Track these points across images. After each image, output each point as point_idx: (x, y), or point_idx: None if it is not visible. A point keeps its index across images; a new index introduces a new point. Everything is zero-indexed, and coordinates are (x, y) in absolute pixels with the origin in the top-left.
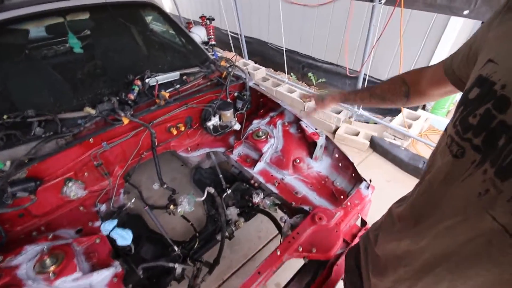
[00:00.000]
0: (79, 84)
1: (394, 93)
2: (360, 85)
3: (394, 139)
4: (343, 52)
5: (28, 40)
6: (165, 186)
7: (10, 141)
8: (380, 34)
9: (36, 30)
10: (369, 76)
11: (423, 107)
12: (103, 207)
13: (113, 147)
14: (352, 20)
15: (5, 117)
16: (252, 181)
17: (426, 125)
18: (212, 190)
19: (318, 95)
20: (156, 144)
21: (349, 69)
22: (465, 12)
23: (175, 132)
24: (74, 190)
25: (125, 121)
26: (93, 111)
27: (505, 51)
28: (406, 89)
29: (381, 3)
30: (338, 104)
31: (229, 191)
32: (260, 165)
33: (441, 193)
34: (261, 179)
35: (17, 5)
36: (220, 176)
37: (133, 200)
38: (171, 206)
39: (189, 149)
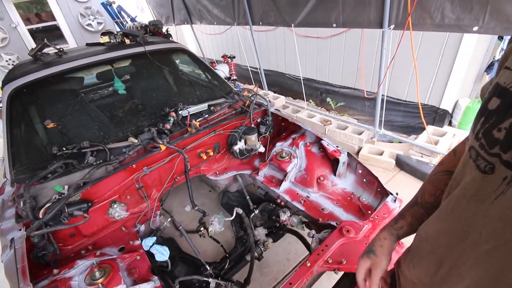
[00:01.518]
0: (124, 119)
1: (450, 165)
2: (378, 105)
3: (422, 157)
4: (359, 76)
5: (82, 85)
6: (197, 208)
7: (68, 169)
8: (393, 57)
9: (89, 77)
10: (387, 96)
11: (449, 123)
12: (142, 227)
13: (151, 171)
14: (366, 45)
15: (64, 148)
16: (279, 201)
17: (454, 141)
18: (240, 210)
19: (366, 256)
20: (189, 168)
21: (366, 91)
22: (475, 29)
23: (204, 157)
24: (118, 212)
25: (163, 147)
26: (135, 140)
27: None
28: (458, 152)
29: (390, 28)
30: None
31: (256, 211)
32: (285, 184)
33: (472, 211)
34: (287, 198)
35: (74, 58)
36: (247, 197)
37: (169, 219)
38: (202, 228)
39: (217, 172)
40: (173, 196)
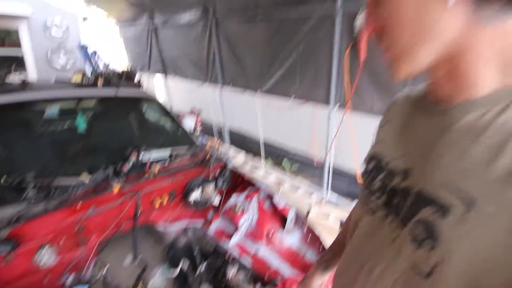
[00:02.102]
0: (80, 155)
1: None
2: (325, 172)
3: None
4: (311, 144)
5: (42, 117)
6: (138, 259)
7: (1, 201)
8: (337, 131)
9: (50, 111)
10: (333, 165)
11: None
12: (70, 279)
13: (96, 214)
14: (318, 118)
15: (3, 178)
16: (227, 255)
17: None
18: (186, 264)
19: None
20: (139, 213)
21: (316, 160)
22: None
23: (157, 204)
24: (46, 257)
25: (116, 189)
26: (87, 178)
27: (386, 132)
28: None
29: (336, 106)
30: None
31: (203, 267)
32: (235, 238)
33: (369, 244)
34: (236, 252)
35: (41, 88)
36: (195, 252)
37: (104, 271)
38: (140, 284)
39: (167, 222)
40: (112, 246)
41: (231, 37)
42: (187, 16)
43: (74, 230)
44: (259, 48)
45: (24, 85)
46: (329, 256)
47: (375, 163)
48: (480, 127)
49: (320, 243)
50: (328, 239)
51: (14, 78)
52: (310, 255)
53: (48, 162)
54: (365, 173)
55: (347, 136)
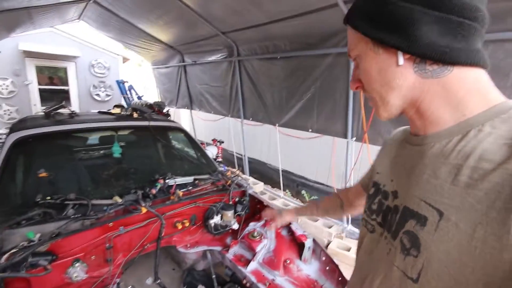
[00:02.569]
0: (113, 179)
1: (333, 206)
2: None
3: None
4: (331, 174)
5: (85, 144)
6: (159, 281)
7: (45, 218)
8: (355, 162)
9: (92, 138)
10: None
11: None
12: None
13: (124, 233)
14: (337, 149)
15: (48, 198)
16: (244, 281)
17: None
18: None
19: (277, 210)
20: (162, 234)
21: (336, 189)
22: None
23: (180, 227)
24: (78, 272)
25: (143, 210)
26: (119, 200)
27: (383, 164)
28: (341, 202)
29: (353, 140)
30: (294, 218)
31: None
32: (253, 265)
33: (369, 260)
34: (253, 279)
35: (84, 120)
36: (214, 276)
37: None
38: None
39: (188, 245)
40: (135, 266)
41: (253, 74)
42: (213, 57)
43: (104, 247)
44: (279, 84)
45: (73, 116)
46: (306, 209)
47: (374, 189)
48: (447, 152)
49: (339, 275)
50: (347, 272)
51: (64, 110)
52: (329, 287)
53: (86, 185)
54: (367, 198)
55: (366, 167)
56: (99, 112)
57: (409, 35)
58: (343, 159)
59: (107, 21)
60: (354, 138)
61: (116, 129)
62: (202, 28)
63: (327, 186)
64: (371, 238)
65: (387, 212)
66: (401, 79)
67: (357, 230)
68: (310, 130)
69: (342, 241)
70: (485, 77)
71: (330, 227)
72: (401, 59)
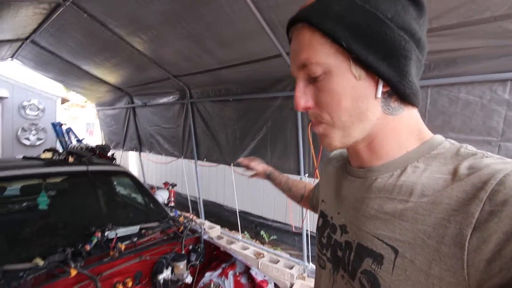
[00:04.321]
0: (36, 236)
1: (297, 190)
2: (304, 240)
3: None
4: (288, 211)
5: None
6: None
7: None
8: None
9: (11, 188)
10: (311, 231)
11: None
12: None
13: None
14: None
15: None
16: None
17: None
18: None
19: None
20: None
21: (294, 226)
22: None
23: None
24: None
25: (73, 272)
26: (41, 262)
27: (326, 193)
28: (303, 193)
29: (306, 176)
30: (265, 174)
31: None
32: None
33: None
34: None
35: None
36: None
37: None
38: None
39: None
40: None
41: (206, 115)
42: (165, 99)
43: None
44: (232, 125)
45: None
46: (276, 176)
47: (322, 220)
48: (390, 187)
49: None
50: None
51: None
52: None
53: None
54: (317, 231)
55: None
56: (24, 158)
57: (401, 68)
58: None
59: (46, 61)
60: (307, 175)
61: (43, 176)
62: (153, 71)
63: (285, 224)
64: (325, 275)
65: (335, 248)
66: (372, 112)
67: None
68: None
69: (304, 282)
70: (419, 115)
71: (291, 267)
72: (380, 91)
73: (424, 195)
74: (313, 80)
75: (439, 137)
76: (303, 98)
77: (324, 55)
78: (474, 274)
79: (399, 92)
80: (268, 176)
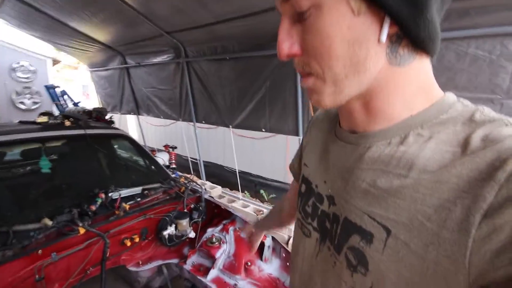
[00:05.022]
0: (42, 198)
1: (282, 203)
2: None
3: None
4: (287, 171)
5: (1, 161)
6: None
7: None
8: None
9: (12, 153)
10: None
11: None
12: None
13: (60, 260)
14: (290, 146)
15: None
16: None
17: None
18: None
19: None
20: (107, 255)
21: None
22: None
23: (128, 244)
24: None
25: (81, 231)
26: (49, 222)
27: (310, 157)
28: (280, 207)
29: (299, 137)
30: (262, 232)
31: None
32: (213, 273)
33: (312, 268)
34: None
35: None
36: None
37: None
38: None
39: (140, 262)
40: None
41: (202, 75)
42: (159, 58)
43: (33, 280)
44: (229, 85)
45: None
46: (267, 222)
47: (306, 187)
48: (386, 158)
49: None
50: None
51: None
52: None
53: (6, 209)
54: (299, 196)
55: None
56: (20, 122)
57: (417, 1)
58: None
59: (31, 18)
60: None
61: (41, 140)
62: (145, 27)
63: (284, 183)
64: (309, 243)
65: (323, 218)
66: (372, 62)
67: None
68: (263, 130)
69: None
70: (431, 69)
71: None
72: (385, 33)
73: (426, 171)
74: (300, 18)
75: (450, 97)
76: (288, 41)
77: None
78: (477, 264)
79: (411, 35)
80: (267, 229)
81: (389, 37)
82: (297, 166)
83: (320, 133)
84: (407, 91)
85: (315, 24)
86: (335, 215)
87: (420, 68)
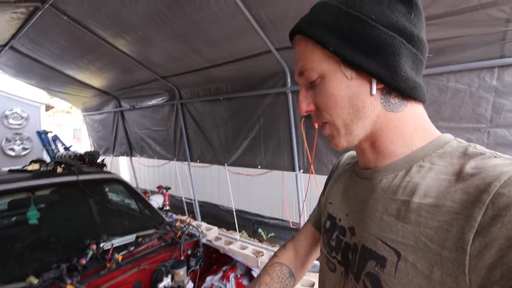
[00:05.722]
0: (28, 252)
1: (283, 280)
2: None
3: None
4: (284, 208)
5: None
6: None
7: None
8: (306, 193)
9: None
10: None
11: None
12: None
13: None
14: (286, 182)
15: None
16: None
17: None
18: None
19: None
20: None
21: (291, 222)
22: None
23: None
24: None
25: None
26: (35, 281)
27: (334, 195)
28: (289, 269)
29: (301, 172)
30: None
31: None
32: None
33: None
34: None
35: None
36: None
37: None
38: None
39: None
40: None
41: (196, 116)
42: (154, 101)
43: None
44: (224, 124)
45: None
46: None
47: (330, 222)
48: (394, 187)
49: None
50: None
51: None
52: None
53: None
54: (324, 232)
55: (316, 196)
56: (10, 171)
57: (389, 64)
58: (294, 192)
59: (27, 68)
60: (302, 170)
61: (32, 189)
62: (140, 73)
63: (282, 220)
64: (334, 278)
65: (346, 250)
66: (369, 109)
67: (317, 263)
68: (259, 167)
69: (305, 277)
70: (425, 113)
71: None
72: (374, 88)
73: (427, 196)
74: (312, 85)
75: (447, 136)
76: (305, 102)
77: (316, 61)
78: (476, 280)
79: (393, 88)
80: None
81: (380, 90)
82: (318, 218)
83: (343, 174)
84: (405, 131)
85: (323, 88)
86: (355, 244)
87: (413, 113)
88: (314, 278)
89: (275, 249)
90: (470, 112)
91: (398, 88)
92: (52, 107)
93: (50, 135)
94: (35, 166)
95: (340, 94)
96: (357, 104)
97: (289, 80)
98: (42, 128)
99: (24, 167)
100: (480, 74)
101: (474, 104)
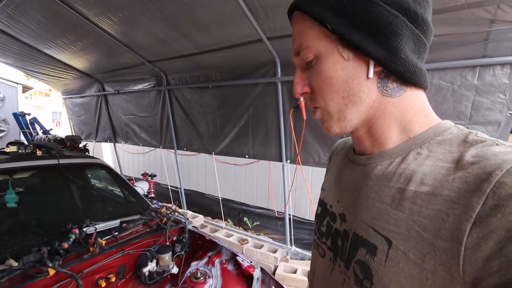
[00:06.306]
0: (7, 236)
1: None
2: (287, 224)
3: None
4: (270, 197)
5: None
6: None
7: None
8: (292, 183)
9: None
10: (293, 215)
11: None
12: None
13: None
14: (273, 173)
15: None
16: None
17: None
18: None
19: None
20: None
21: (277, 211)
22: None
23: (103, 285)
24: None
25: (51, 272)
26: (15, 264)
27: (327, 181)
28: None
29: (288, 162)
30: None
31: None
32: None
33: (321, 287)
34: None
35: None
36: None
37: None
38: None
39: None
40: None
41: (184, 103)
42: (140, 86)
43: None
44: (212, 112)
45: None
46: None
47: (321, 208)
48: (389, 174)
49: None
50: None
51: None
52: None
53: None
54: (315, 218)
55: (302, 187)
56: None
57: (389, 45)
58: (280, 182)
59: (3, 45)
60: (289, 161)
61: (11, 172)
62: (125, 56)
63: (268, 209)
64: (323, 263)
65: (336, 236)
66: (365, 94)
67: (300, 251)
68: (246, 156)
69: (288, 264)
70: (425, 99)
71: (275, 251)
72: (371, 71)
73: (423, 184)
74: (308, 66)
75: (447, 123)
76: (300, 83)
77: (313, 39)
78: (470, 271)
79: (392, 71)
80: None
81: (378, 74)
82: None
83: (337, 160)
84: (402, 118)
85: (318, 69)
86: (346, 231)
87: (412, 98)
88: (295, 265)
89: (260, 237)
90: (451, 108)
91: (397, 71)
92: (30, 88)
93: (28, 118)
94: (13, 148)
95: (335, 76)
96: (352, 87)
97: (279, 70)
98: (20, 110)
99: (1, 149)
100: (462, 72)
101: (456, 101)
